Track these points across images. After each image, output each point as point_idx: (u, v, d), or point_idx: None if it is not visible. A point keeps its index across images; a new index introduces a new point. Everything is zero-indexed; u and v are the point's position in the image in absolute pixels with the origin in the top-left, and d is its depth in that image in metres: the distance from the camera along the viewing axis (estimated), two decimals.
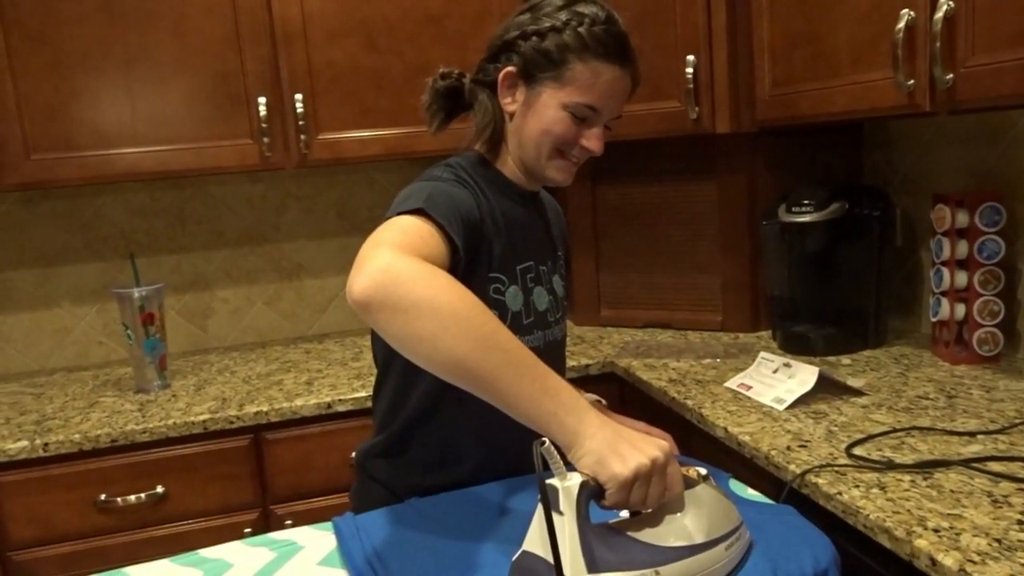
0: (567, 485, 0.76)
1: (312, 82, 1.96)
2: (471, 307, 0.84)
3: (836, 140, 2.01)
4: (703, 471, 0.88)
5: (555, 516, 0.76)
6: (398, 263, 0.85)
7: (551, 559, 0.73)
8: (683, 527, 0.84)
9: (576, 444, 0.81)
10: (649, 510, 0.84)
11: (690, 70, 1.85)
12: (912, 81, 1.36)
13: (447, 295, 0.84)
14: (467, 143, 1.19)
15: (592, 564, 0.75)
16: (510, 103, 1.14)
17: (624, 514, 0.87)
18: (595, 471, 0.79)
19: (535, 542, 0.79)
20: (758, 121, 1.83)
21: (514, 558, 0.81)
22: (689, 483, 0.86)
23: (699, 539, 0.83)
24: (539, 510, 0.77)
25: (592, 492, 0.79)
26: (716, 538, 0.84)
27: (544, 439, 0.76)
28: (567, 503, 0.76)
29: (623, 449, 0.80)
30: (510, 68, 1.12)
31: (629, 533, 0.82)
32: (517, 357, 0.83)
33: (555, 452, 0.76)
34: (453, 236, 0.98)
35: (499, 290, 1.12)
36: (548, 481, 0.76)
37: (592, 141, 1.12)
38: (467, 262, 1.03)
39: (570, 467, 0.80)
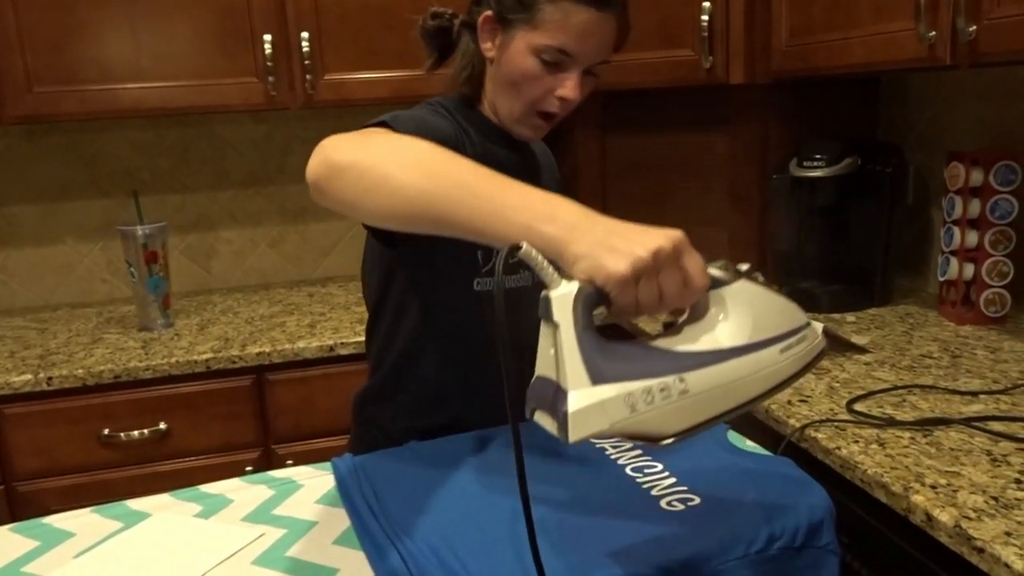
0: (559, 294, 0.66)
1: (319, 20, 1.92)
2: (414, 147, 0.80)
3: (852, 94, 1.97)
4: (744, 266, 0.74)
5: (550, 328, 0.67)
6: (340, 138, 0.83)
7: (554, 376, 0.66)
8: (719, 329, 0.70)
9: (564, 252, 0.68)
10: (672, 311, 0.72)
11: (705, 17, 1.80)
12: (934, 32, 1.33)
13: (388, 145, 0.80)
14: (445, 87, 1.16)
15: (598, 374, 0.66)
16: (489, 49, 1.10)
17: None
18: (591, 275, 0.67)
19: (540, 363, 0.70)
20: (773, 72, 1.79)
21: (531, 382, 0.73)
22: (723, 280, 0.72)
23: (740, 341, 0.70)
24: (542, 328, 0.69)
25: (592, 298, 0.67)
26: (765, 339, 0.71)
27: (521, 243, 0.66)
28: (560, 312, 0.66)
29: (617, 244, 0.67)
30: (488, 12, 1.08)
31: (652, 343, 0.70)
32: (474, 180, 0.75)
33: (538, 257, 0.67)
34: None
35: None
36: (543, 293, 0.68)
37: (567, 89, 1.06)
38: None
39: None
